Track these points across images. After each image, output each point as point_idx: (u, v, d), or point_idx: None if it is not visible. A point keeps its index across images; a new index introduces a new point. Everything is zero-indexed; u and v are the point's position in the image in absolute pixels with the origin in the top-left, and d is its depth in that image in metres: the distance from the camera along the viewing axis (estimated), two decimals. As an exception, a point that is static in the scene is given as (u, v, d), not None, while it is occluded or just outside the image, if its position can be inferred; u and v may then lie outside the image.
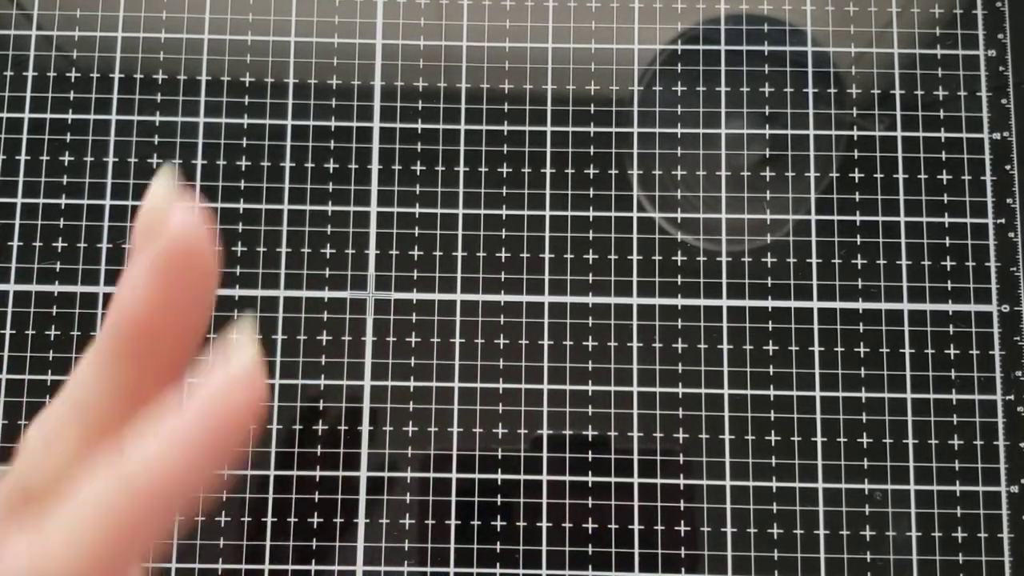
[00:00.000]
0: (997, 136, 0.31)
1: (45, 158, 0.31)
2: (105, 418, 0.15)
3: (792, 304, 0.30)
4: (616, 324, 0.30)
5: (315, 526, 0.29)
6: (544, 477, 0.29)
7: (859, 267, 0.30)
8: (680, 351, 0.30)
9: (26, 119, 0.31)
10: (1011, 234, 0.30)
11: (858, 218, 0.30)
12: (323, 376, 0.29)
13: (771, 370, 0.29)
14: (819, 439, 0.29)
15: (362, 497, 0.29)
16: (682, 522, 0.28)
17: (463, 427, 0.29)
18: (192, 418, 0.14)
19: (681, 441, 0.29)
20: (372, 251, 0.30)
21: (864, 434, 0.29)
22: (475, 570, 0.28)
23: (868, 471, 0.29)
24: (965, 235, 0.30)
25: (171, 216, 0.15)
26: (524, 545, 0.28)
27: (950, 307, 0.30)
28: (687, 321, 0.30)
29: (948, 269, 0.30)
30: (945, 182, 0.30)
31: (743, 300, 0.30)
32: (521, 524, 0.28)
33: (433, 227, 0.30)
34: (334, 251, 0.30)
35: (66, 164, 0.31)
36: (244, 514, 0.28)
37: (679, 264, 0.30)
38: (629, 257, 0.30)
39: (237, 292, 0.30)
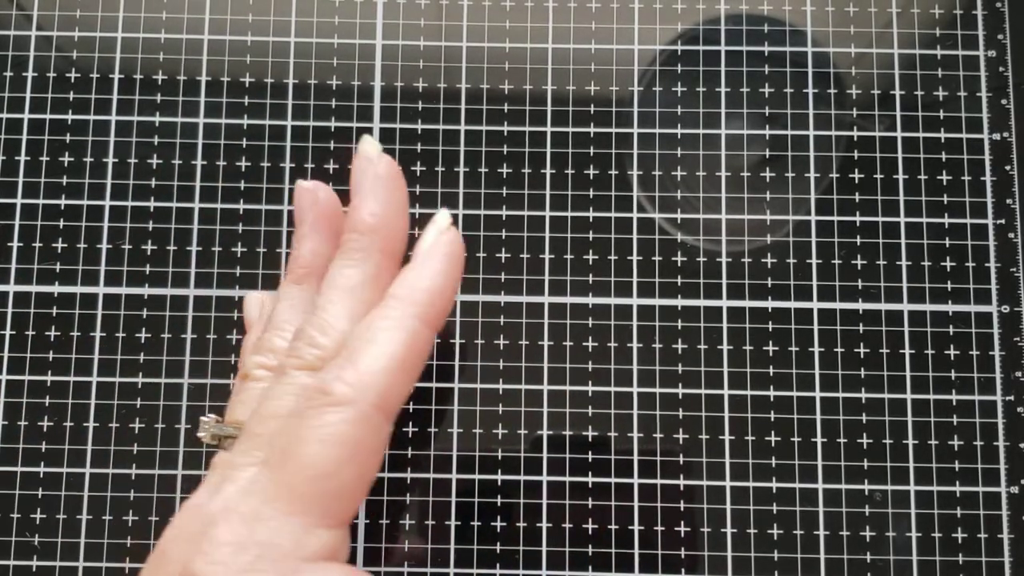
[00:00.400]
0: (997, 136, 0.31)
1: (45, 158, 0.31)
2: (367, 295, 0.22)
3: (792, 305, 0.30)
4: (616, 325, 0.30)
5: (315, 527, 0.29)
6: (544, 478, 0.29)
7: (859, 268, 0.30)
8: (680, 352, 0.30)
9: (26, 119, 0.31)
10: (1011, 235, 0.30)
11: (858, 219, 0.30)
12: (323, 377, 0.29)
13: (771, 371, 0.29)
14: (819, 440, 0.29)
15: (362, 498, 0.29)
16: (682, 523, 0.28)
17: (463, 427, 0.29)
18: (427, 249, 0.22)
19: (681, 442, 0.29)
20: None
21: (864, 435, 0.29)
22: (475, 571, 0.28)
23: (868, 472, 0.29)
24: (965, 236, 0.30)
25: (381, 156, 0.23)
26: (524, 546, 0.28)
27: (950, 308, 0.30)
28: (687, 322, 0.30)
29: (948, 270, 0.30)
30: (945, 183, 0.30)
31: (743, 301, 0.30)
32: (521, 525, 0.28)
33: (433, 228, 0.30)
34: (334, 252, 0.30)
35: (66, 164, 0.31)
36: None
37: (679, 264, 0.30)
38: (629, 257, 0.30)
39: (237, 292, 0.30)
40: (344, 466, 0.19)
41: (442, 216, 0.23)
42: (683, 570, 0.28)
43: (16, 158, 0.31)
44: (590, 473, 0.29)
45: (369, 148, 0.23)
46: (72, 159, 0.31)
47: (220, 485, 0.20)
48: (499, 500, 0.29)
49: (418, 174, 0.31)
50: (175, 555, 0.19)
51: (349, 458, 0.19)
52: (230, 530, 0.19)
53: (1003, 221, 0.30)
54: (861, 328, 0.30)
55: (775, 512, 0.29)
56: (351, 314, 0.22)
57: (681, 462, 0.29)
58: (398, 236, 0.23)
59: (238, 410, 0.23)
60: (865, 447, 0.29)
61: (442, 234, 0.22)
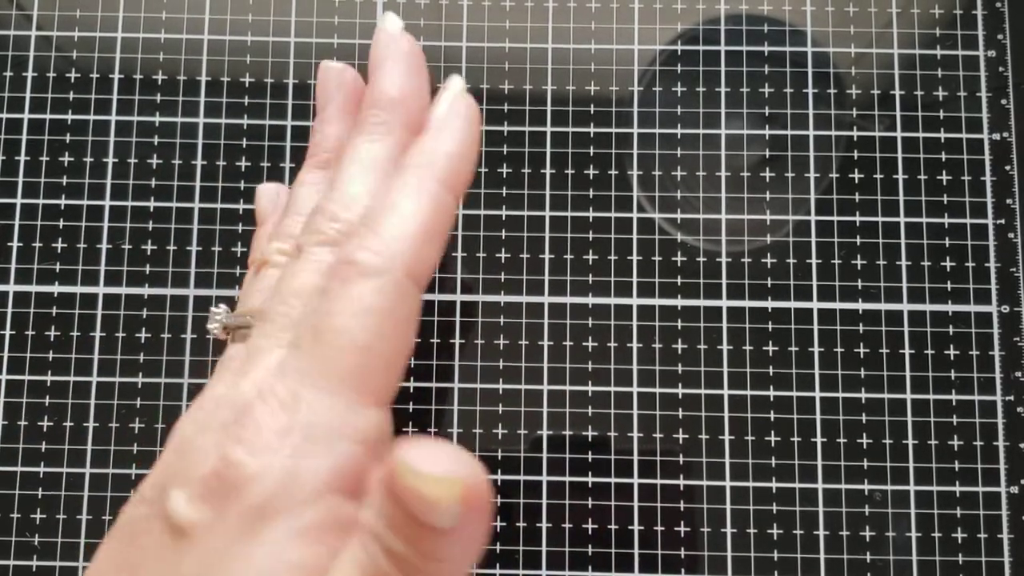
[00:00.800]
0: (997, 137, 0.31)
1: (45, 158, 0.31)
2: (390, 171, 0.21)
3: (792, 305, 0.30)
4: (616, 325, 0.30)
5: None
6: (544, 478, 0.29)
7: (859, 268, 0.30)
8: (680, 352, 0.30)
9: (26, 119, 0.31)
10: (1011, 235, 0.30)
11: (858, 219, 0.30)
12: (323, 377, 0.29)
13: (771, 371, 0.29)
14: (819, 440, 0.29)
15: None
16: (682, 523, 0.29)
17: (463, 427, 0.29)
18: (443, 115, 0.21)
19: (681, 442, 0.29)
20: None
21: (864, 435, 0.29)
22: (475, 570, 0.28)
23: (868, 472, 0.29)
24: (965, 236, 0.30)
25: (403, 34, 0.22)
26: (524, 546, 0.28)
27: (950, 308, 0.30)
28: (687, 322, 0.30)
29: (948, 270, 0.30)
30: (945, 183, 0.30)
31: (743, 301, 0.30)
32: (521, 524, 0.28)
33: (433, 228, 0.30)
34: (334, 252, 0.30)
35: (66, 164, 0.31)
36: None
37: (679, 264, 0.30)
38: (629, 257, 0.30)
39: (237, 292, 0.30)
40: (380, 338, 0.18)
41: (455, 81, 0.22)
42: (683, 570, 0.28)
43: (16, 158, 0.31)
44: (590, 473, 0.29)
45: (392, 25, 0.22)
46: (72, 159, 0.31)
47: (244, 371, 0.19)
48: (499, 500, 0.29)
49: (418, 174, 0.31)
50: (204, 446, 0.18)
51: (384, 329, 0.18)
52: (269, 414, 0.17)
53: (1003, 221, 0.30)
54: (861, 328, 0.30)
55: (775, 512, 0.29)
56: (374, 190, 0.21)
57: (681, 462, 0.29)
58: (420, 112, 0.22)
59: (255, 298, 0.22)
60: (865, 447, 0.29)
61: (457, 99, 0.21)
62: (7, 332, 0.30)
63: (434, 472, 0.15)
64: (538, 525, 0.28)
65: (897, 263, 0.30)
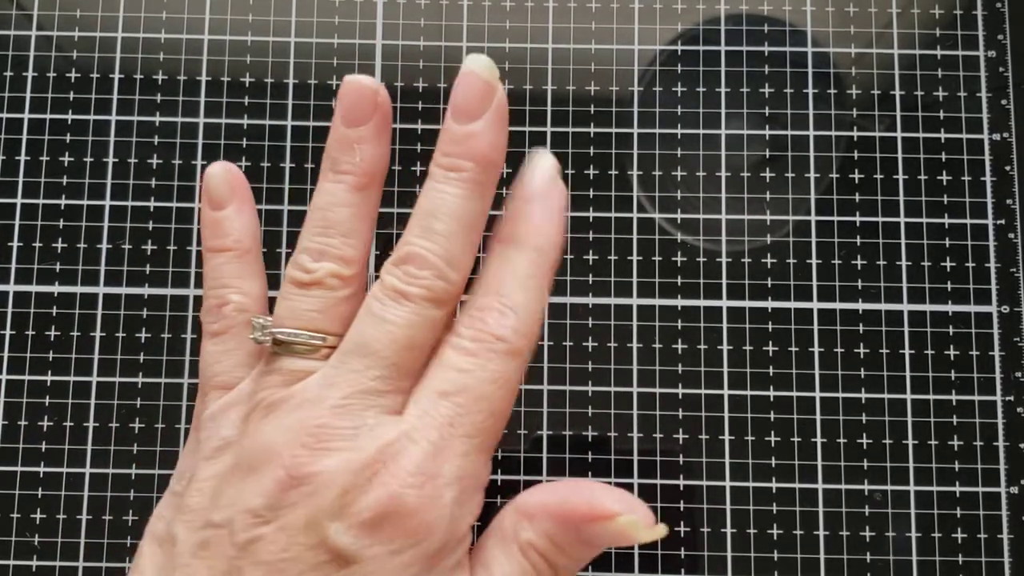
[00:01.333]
0: (997, 137, 0.31)
1: (45, 158, 0.31)
2: (481, 232, 0.23)
3: (792, 305, 0.30)
4: (616, 325, 0.30)
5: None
6: (544, 478, 0.29)
7: (859, 268, 0.30)
8: (680, 352, 0.30)
9: (26, 119, 0.31)
10: (1011, 235, 0.30)
11: (858, 219, 0.30)
12: (323, 377, 0.29)
13: (771, 371, 0.29)
14: (819, 440, 0.29)
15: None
16: (682, 523, 0.29)
17: (463, 428, 0.29)
18: (544, 191, 0.22)
19: (681, 442, 0.29)
20: (372, 252, 0.30)
21: (864, 435, 0.29)
22: (475, 570, 0.28)
23: (868, 472, 0.29)
24: (965, 236, 0.30)
25: (497, 81, 0.22)
26: (524, 546, 0.28)
27: (950, 308, 0.30)
28: (687, 322, 0.30)
29: (948, 270, 0.30)
30: (945, 183, 0.30)
31: (743, 301, 0.30)
32: (521, 525, 0.28)
33: (433, 228, 0.30)
34: (334, 252, 0.30)
35: (66, 164, 0.31)
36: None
37: (679, 265, 0.30)
38: (629, 258, 0.30)
39: (237, 292, 0.30)
40: (510, 406, 0.21)
41: (547, 158, 0.23)
42: (683, 570, 0.28)
43: (16, 158, 0.31)
44: (590, 473, 0.29)
45: (484, 70, 0.22)
46: (72, 159, 0.31)
47: (361, 410, 0.20)
48: (499, 500, 0.29)
49: (418, 174, 0.31)
50: (354, 482, 0.19)
51: (513, 398, 0.21)
52: (423, 455, 0.20)
53: (1003, 221, 0.30)
54: (861, 328, 0.30)
55: (775, 512, 0.29)
56: (473, 250, 0.22)
57: (681, 462, 0.29)
58: (502, 165, 0.23)
59: (309, 318, 0.22)
60: (865, 447, 0.29)
61: (557, 181, 0.22)
62: (7, 332, 0.30)
63: (651, 525, 0.20)
64: (538, 525, 0.28)
65: (897, 263, 0.30)
